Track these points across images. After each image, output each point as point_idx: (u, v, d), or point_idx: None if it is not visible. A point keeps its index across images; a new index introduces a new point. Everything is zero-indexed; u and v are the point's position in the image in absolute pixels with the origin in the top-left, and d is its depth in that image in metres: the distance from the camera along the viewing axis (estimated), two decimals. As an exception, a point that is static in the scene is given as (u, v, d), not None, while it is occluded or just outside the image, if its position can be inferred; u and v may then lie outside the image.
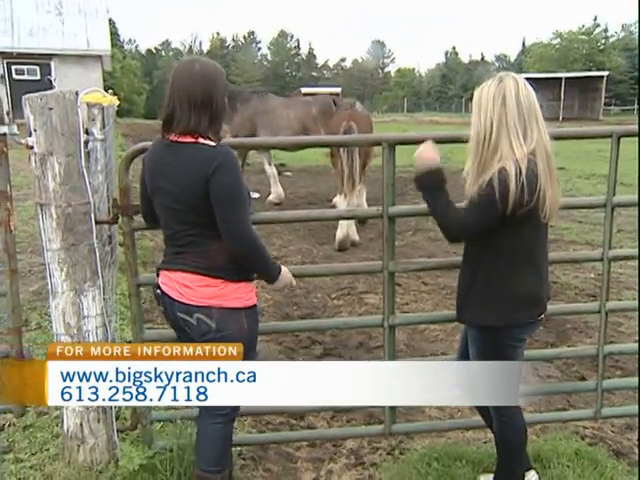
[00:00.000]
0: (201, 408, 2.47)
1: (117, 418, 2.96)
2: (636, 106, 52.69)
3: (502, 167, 2.21)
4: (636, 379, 3.67)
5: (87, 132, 4.63)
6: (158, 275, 2.42)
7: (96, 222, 2.65)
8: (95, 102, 4.78)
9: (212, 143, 2.22)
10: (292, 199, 10.66)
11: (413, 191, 11.54)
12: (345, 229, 7.36)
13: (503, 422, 2.57)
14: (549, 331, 4.67)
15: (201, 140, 2.21)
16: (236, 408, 2.48)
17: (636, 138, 3.11)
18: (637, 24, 61.58)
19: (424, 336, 4.65)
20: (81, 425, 2.68)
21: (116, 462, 2.75)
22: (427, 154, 2.45)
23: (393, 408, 3.04)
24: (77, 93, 2.48)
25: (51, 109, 2.39)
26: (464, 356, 2.63)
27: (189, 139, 2.21)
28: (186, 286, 2.29)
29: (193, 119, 2.19)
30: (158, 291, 2.39)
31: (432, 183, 2.43)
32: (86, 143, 4.33)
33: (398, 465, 2.98)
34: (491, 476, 2.72)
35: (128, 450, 2.81)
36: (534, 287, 2.41)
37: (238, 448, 3.08)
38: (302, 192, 11.35)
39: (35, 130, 2.42)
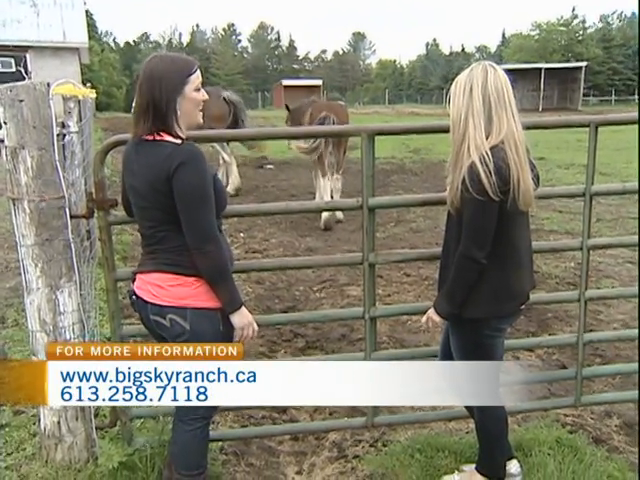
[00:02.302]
0: (175, 415, 2.43)
1: (96, 415, 2.92)
2: (614, 97, 53.34)
3: (470, 165, 2.21)
4: (615, 366, 3.73)
5: (63, 125, 4.56)
6: (134, 281, 2.36)
7: (71, 217, 2.60)
8: (71, 95, 4.71)
9: (177, 141, 2.16)
10: (273, 192, 10.62)
11: (395, 182, 11.68)
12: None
13: (484, 411, 2.58)
14: (530, 320, 4.70)
15: (167, 138, 2.16)
16: (212, 409, 2.44)
17: (614, 127, 3.13)
18: (624, 16, 62.26)
19: (406, 327, 4.66)
20: (59, 423, 2.63)
21: (95, 460, 2.71)
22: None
23: (375, 400, 3.03)
24: (49, 84, 2.42)
25: (22, 101, 2.32)
26: (446, 348, 2.63)
27: (157, 137, 2.16)
28: (158, 286, 2.23)
29: (155, 118, 2.13)
30: (133, 297, 2.33)
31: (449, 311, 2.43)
32: (63, 136, 4.26)
33: (381, 457, 2.98)
34: (473, 466, 2.73)
35: (107, 448, 2.76)
36: (516, 279, 2.40)
37: (220, 443, 3.06)
38: (284, 185, 11.30)
39: (5, 123, 2.35)
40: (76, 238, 2.71)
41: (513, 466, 2.72)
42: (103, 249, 2.78)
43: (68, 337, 2.59)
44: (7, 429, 3.09)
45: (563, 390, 3.64)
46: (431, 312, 2.46)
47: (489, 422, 2.58)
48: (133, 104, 2.20)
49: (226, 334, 2.31)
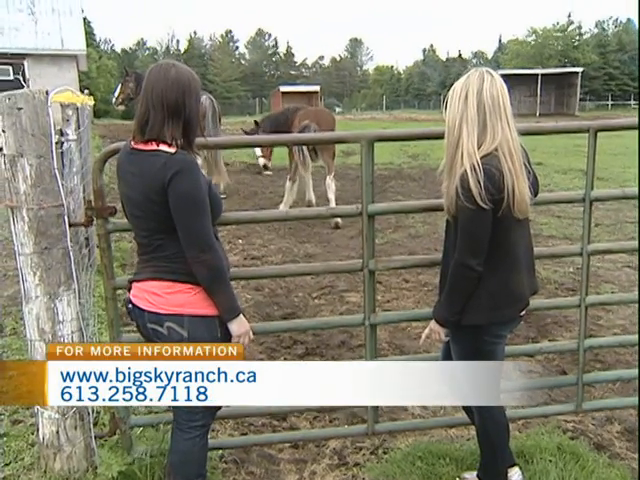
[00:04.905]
0: (173, 423, 2.43)
1: (95, 424, 2.90)
2: (610, 101, 53.53)
3: (462, 173, 2.21)
4: (616, 372, 3.71)
5: (61, 133, 4.55)
6: (130, 289, 2.35)
7: (70, 225, 2.59)
8: (69, 102, 4.70)
9: (171, 150, 2.15)
10: (272, 198, 10.62)
11: (393, 188, 11.71)
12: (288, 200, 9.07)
13: (485, 418, 2.57)
14: (530, 326, 4.69)
15: (162, 147, 2.15)
16: (210, 416, 2.44)
17: (612, 133, 3.13)
18: (625, 22, 62.57)
19: (406, 334, 4.64)
20: (57, 433, 2.61)
21: (94, 470, 2.69)
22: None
23: (376, 407, 3.02)
24: (47, 92, 2.41)
25: (20, 109, 2.31)
26: (447, 354, 2.62)
27: (150, 146, 2.16)
28: (155, 294, 2.23)
29: (167, 125, 2.14)
30: (130, 305, 2.32)
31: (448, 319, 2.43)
32: (61, 144, 4.25)
33: (382, 465, 2.96)
34: (474, 473, 2.72)
35: (107, 457, 2.75)
36: (515, 285, 2.40)
37: (220, 451, 3.04)
38: (282, 191, 11.28)
39: (4, 131, 2.34)
40: (75, 246, 2.70)
41: (515, 473, 2.70)
42: (102, 257, 2.78)
43: (67, 346, 2.57)
44: (5, 439, 3.06)
45: (564, 396, 3.62)
46: (433, 324, 2.45)
47: (490, 428, 2.57)
48: (140, 107, 2.17)
49: (224, 341, 2.29)
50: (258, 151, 9.94)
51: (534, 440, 3.04)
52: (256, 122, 10.35)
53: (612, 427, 3.34)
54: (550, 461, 2.85)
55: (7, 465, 2.84)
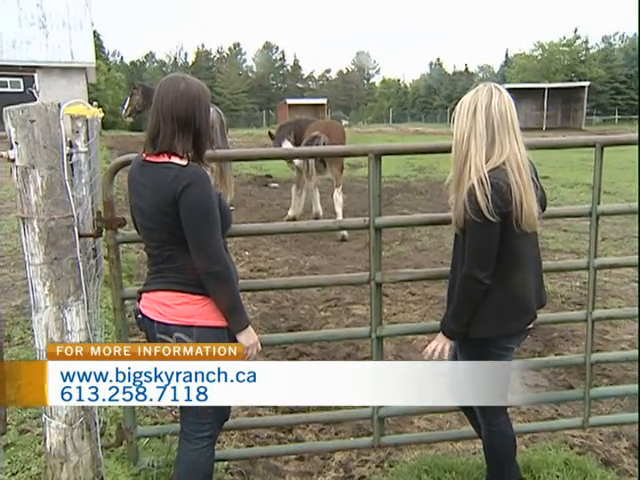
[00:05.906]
0: (180, 434, 2.43)
1: (102, 434, 2.90)
2: (617, 116, 53.55)
3: (470, 187, 2.23)
4: (623, 387, 3.69)
5: (71, 144, 4.60)
6: (139, 300, 2.37)
7: (80, 236, 2.61)
8: (79, 114, 4.76)
9: (183, 162, 2.18)
10: (278, 210, 10.65)
11: (400, 201, 11.71)
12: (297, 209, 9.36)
13: (492, 431, 2.56)
14: (536, 340, 4.68)
15: (173, 159, 2.18)
16: (217, 427, 2.44)
17: (618, 147, 3.14)
18: (623, 34, 62.75)
19: (412, 346, 4.64)
20: (64, 442, 2.61)
21: (101, 480, 2.69)
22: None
23: (382, 419, 3.02)
24: (59, 105, 2.44)
25: (33, 121, 2.35)
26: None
27: (162, 158, 2.19)
28: (165, 305, 2.25)
29: (177, 137, 2.17)
30: (139, 316, 2.34)
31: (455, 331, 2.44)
32: (70, 156, 4.30)
33: (387, 478, 2.95)
34: (481, 487, 2.71)
35: (113, 467, 2.76)
36: (522, 298, 2.40)
37: (226, 463, 3.04)
38: (288, 203, 11.32)
39: (16, 143, 2.37)
40: (83, 256, 2.72)
41: (521, 488, 2.69)
42: (111, 268, 2.80)
43: (75, 356, 2.59)
44: (12, 448, 3.07)
45: (571, 410, 3.60)
46: (440, 337, 2.45)
47: (497, 442, 2.56)
48: (151, 119, 2.20)
49: None
50: (297, 160, 9.92)
51: (541, 455, 3.02)
52: (288, 130, 10.13)
53: (620, 443, 3.31)
54: (557, 476, 2.83)
55: (14, 475, 2.85)
